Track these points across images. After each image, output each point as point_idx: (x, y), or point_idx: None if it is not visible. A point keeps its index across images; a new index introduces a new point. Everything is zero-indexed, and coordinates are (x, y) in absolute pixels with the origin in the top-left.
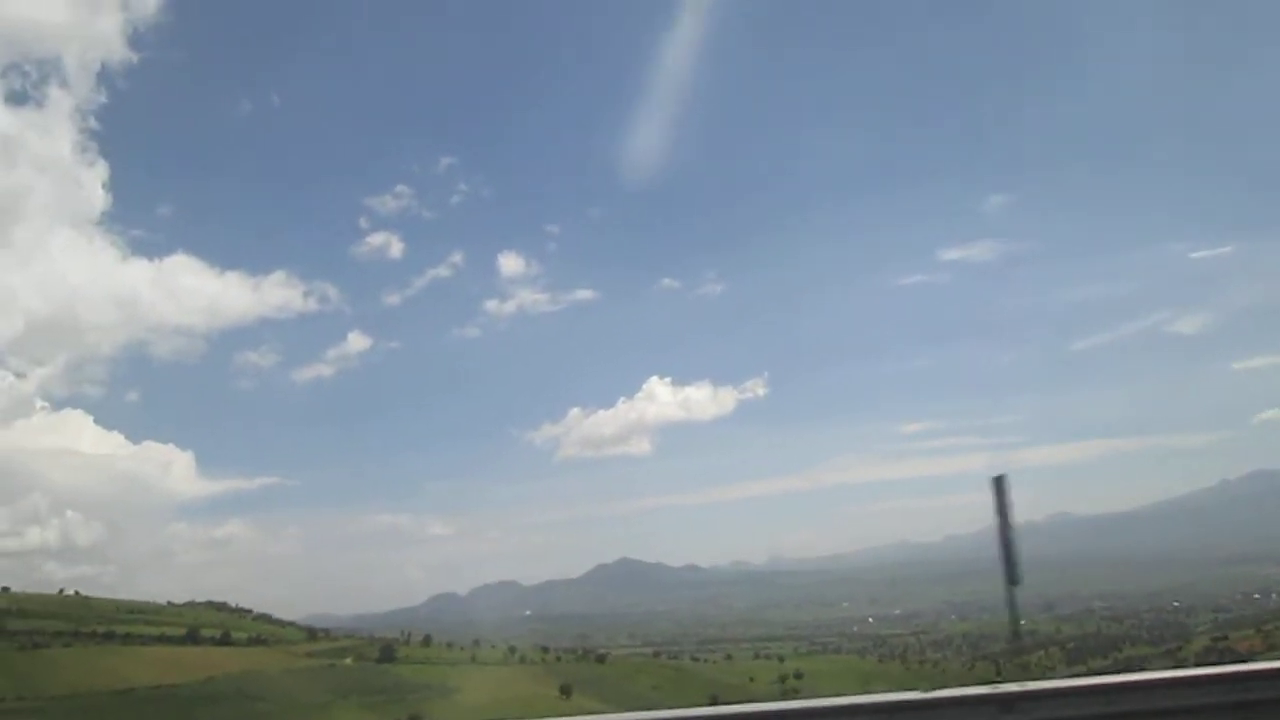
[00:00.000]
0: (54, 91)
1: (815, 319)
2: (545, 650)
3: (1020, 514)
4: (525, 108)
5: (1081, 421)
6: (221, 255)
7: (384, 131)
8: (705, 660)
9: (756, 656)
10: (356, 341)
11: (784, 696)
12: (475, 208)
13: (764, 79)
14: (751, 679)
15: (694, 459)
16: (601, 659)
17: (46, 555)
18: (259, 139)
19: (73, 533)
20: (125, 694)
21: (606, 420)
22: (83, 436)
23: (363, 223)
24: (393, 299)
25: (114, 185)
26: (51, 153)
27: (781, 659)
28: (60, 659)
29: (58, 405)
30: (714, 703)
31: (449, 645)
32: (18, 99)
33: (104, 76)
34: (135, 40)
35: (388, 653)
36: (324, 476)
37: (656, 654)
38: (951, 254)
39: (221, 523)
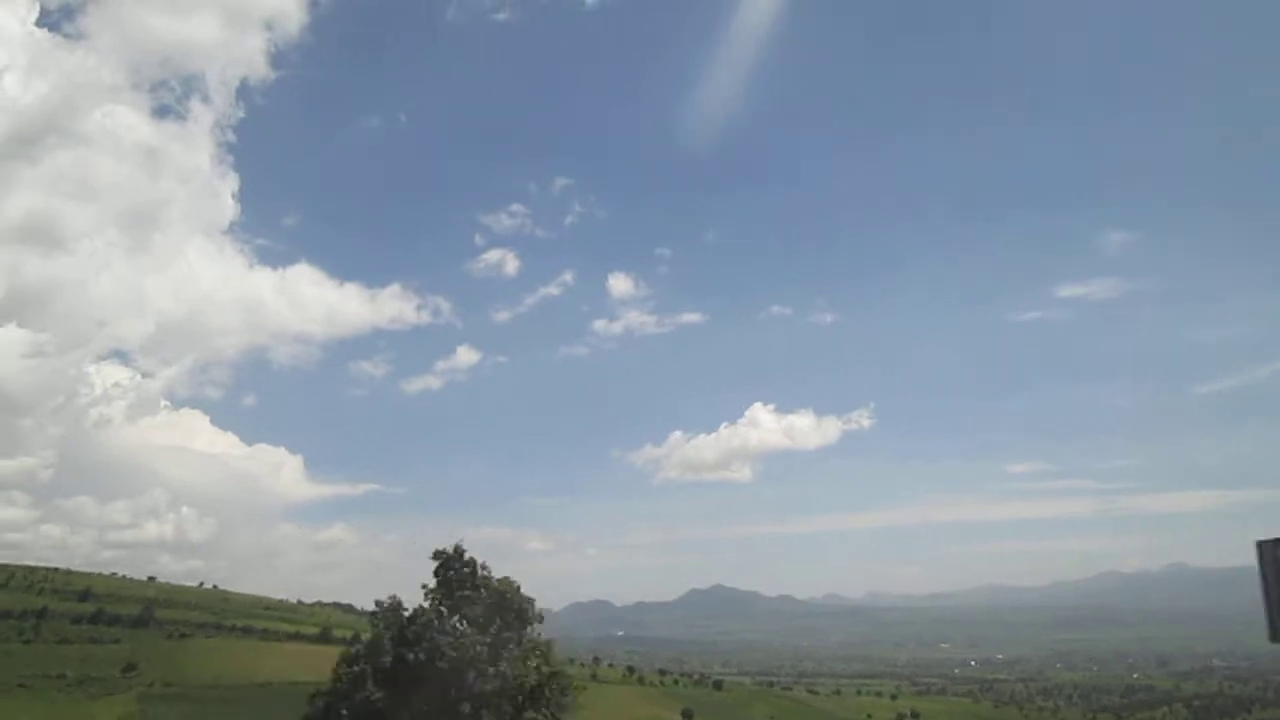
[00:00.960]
0: (196, 106)
1: (925, 352)
2: (664, 673)
3: (1132, 563)
4: (642, 132)
5: (1201, 469)
6: (341, 266)
7: (502, 151)
8: (819, 694)
9: (859, 693)
10: (465, 355)
11: None
12: (588, 228)
13: (882, 107)
14: (869, 716)
15: (794, 488)
16: (718, 685)
17: (161, 548)
18: (384, 155)
19: (187, 528)
20: (264, 687)
21: (708, 445)
22: (199, 436)
23: (478, 239)
24: (503, 315)
25: (243, 196)
26: (191, 164)
27: (893, 697)
28: (204, 649)
29: (179, 405)
30: None
31: (570, 660)
32: (164, 113)
33: (243, 92)
34: (276, 59)
35: None
36: (427, 485)
37: (770, 684)
38: (1069, 290)
39: (326, 525)
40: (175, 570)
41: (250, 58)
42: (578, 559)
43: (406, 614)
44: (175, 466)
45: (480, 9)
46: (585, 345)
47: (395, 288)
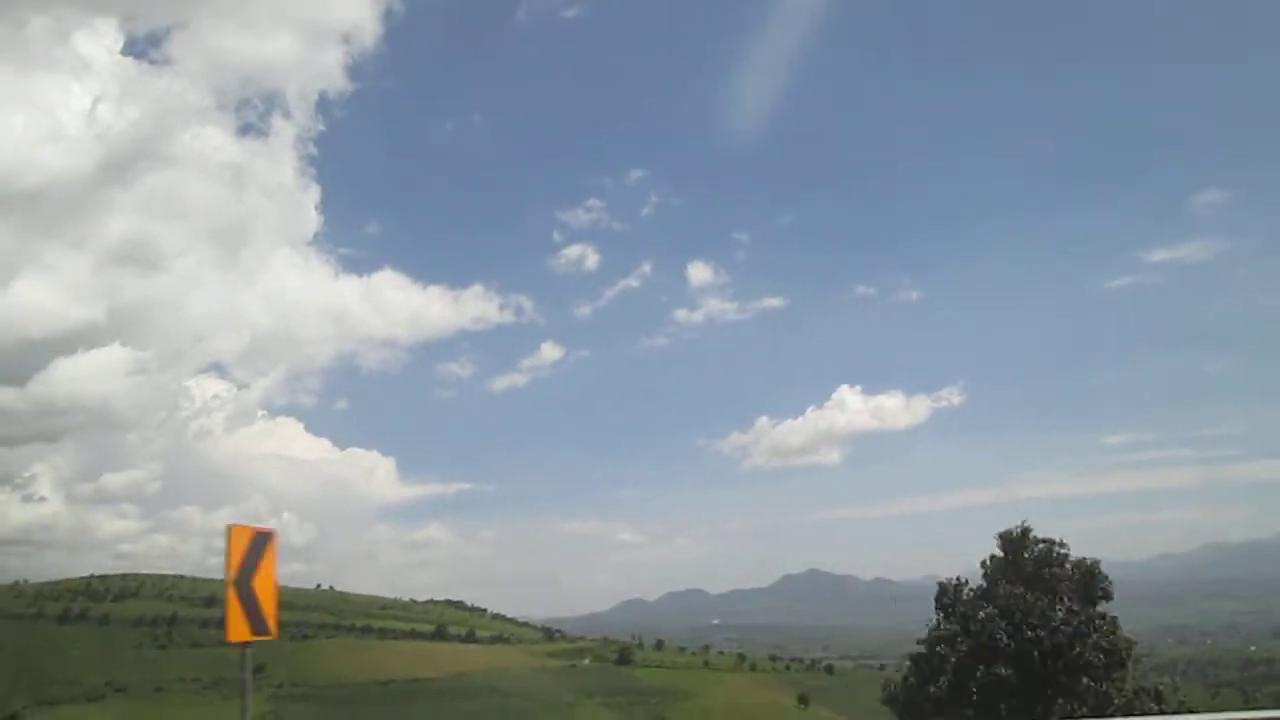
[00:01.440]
0: (278, 122)
1: (1014, 325)
2: (774, 659)
3: (1239, 533)
4: (714, 119)
5: None
6: (424, 270)
7: (576, 147)
8: None
9: None
10: (549, 352)
11: None
12: (665, 218)
13: (958, 80)
14: None
15: (885, 469)
16: (830, 670)
17: None
18: (460, 158)
19: (289, 533)
20: (386, 685)
21: (795, 429)
22: (295, 443)
23: (556, 236)
24: (584, 310)
25: (325, 206)
26: (275, 179)
27: None
28: (325, 650)
29: (275, 414)
30: None
31: (681, 649)
32: (247, 131)
33: (322, 105)
34: (354, 71)
35: (625, 656)
36: (517, 483)
37: (881, 667)
38: (1160, 255)
39: (420, 526)
40: (280, 574)
41: (329, 71)
42: (668, 549)
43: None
44: (273, 474)
45: (549, 7)
46: (666, 335)
47: (477, 288)
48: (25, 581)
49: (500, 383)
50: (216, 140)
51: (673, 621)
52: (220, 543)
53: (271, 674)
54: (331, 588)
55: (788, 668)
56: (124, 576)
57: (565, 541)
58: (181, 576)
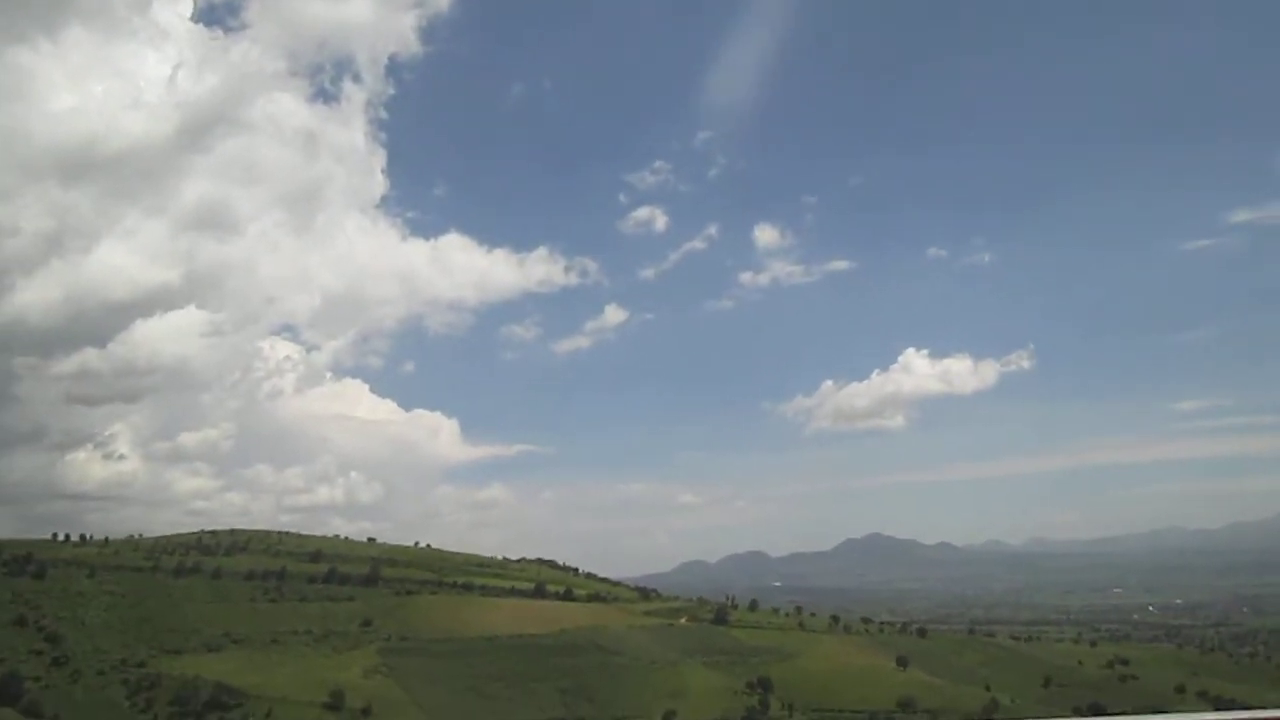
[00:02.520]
0: (348, 86)
1: (1088, 287)
2: (866, 621)
3: None
4: (780, 79)
5: None
6: (489, 233)
7: (644, 109)
8: (1022, 640)
9: (1030, 639)
10: (613, 314)
11: (1120, 681)
12: (732, 180)
13: (1034, 37)
14: (1080, 663)
15: (950, 434)
16: (923, 633)
17: (333, 511)
18: (528, 121)
19: (356, 491)
20: (490, 640)
21: (860, 393)
22: (361, 404)
23: (622, 198)
24: (649, 272)
25: (393, 170)
26: (347, 143)
27: (1092, 643)
28: (429, 606)
29: (342, 375)
30: (1046, 684)
31: (774, 610)
32: (320, 95)
33: (392, 70)
34: (426, 34)
35: (722, 615)
36: (579, 444)
37: (971, 631)
38: (1241, 215)
39: (483, 486)
40: (348, 531)
41: (402, 35)
42: (729, 512)
43: None
44: (341, 434)
45: None
46: (731, 298)
47: (542, 251)
48: (140, 535)
49: (564, 345)
50: (290, 105)
51: (734, 584)
52: (291, 500)
53: (379, 628)
54: (428, 545)
55: (881, 630)
56: (232, 532)
57: (625, 503)
58: (287, 533)
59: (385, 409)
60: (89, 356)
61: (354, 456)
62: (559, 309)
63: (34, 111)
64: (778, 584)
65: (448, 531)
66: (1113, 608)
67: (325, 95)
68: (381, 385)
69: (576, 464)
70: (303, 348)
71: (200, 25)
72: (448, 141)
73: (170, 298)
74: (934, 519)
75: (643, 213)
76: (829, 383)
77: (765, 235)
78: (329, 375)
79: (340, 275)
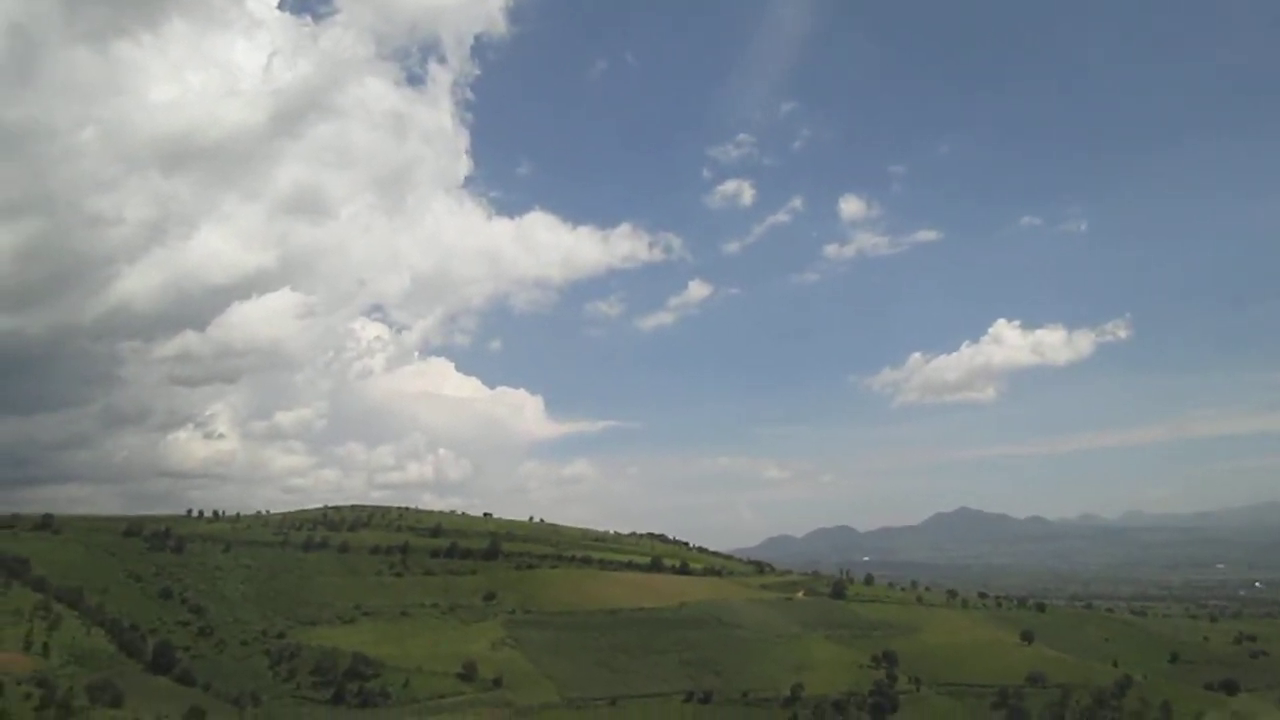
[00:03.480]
0: (434, 68)
1: (1190, 253)
2: (984, 596)
3: None
4: (866, 45)
5: None
6: (573, 210)
7: (726, 82)
8: (1143, 614)
9: (1138, 614)
10: (697, 289)
11: (1251, 658)
12: (817, 151)
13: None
14: (1206, 638)
15: (1042, 406)
16: (1042, 608)
17: (424, 487)
18: (611, 97)
19: (445, 468)
20: (612, 613)
21: (949, 365)
22: (447, 382)
23: (706, 173)
24: (733, 247)
25: (478, 150)
26: (434, 125)
27: (1213, 619)
28: (550, 579)
29: (431, 354)
30: (1174, 660)
31: (890, 585)
32: (408, 78)
33: (477, 50)
34: (515, 14)
35: (839, 590)
36: (663, 419)
37: (1089, 605)
38: None
39: (568, 462)
40: (438, 507)
41: (490, 15)
42: (814, 486)
43: None
44: (429, 412)
45: None
46: (816, 272)
47: (626, 227)
48: (268, 512)
49: (649, 321)
50: (379, 89)
51: (821, 559)
52: (382, 477)
53: (503, 601)
54: (543, 520)
55: (999, 604)
56: (354, 508)
57: (710, 478)
58: (407, 509)
59: (470, 386)
60: (189, 339)
61: (442, 434)
62: (643, 285)
63: (136, 104)
64: (866, 559)
65: (534, 507)
66: (1218, 583)
67: (413, 78)
68: (467, 363)
69: (661, 439)
70: (393, 327)
71: (287, 13)
72: (531, 120)
73: (266, 281)
74: (1024, 493)
75: (727, 187)
76: (917, 355)
77: (851, 206)
78: (417, 354)
79: (428, 255)
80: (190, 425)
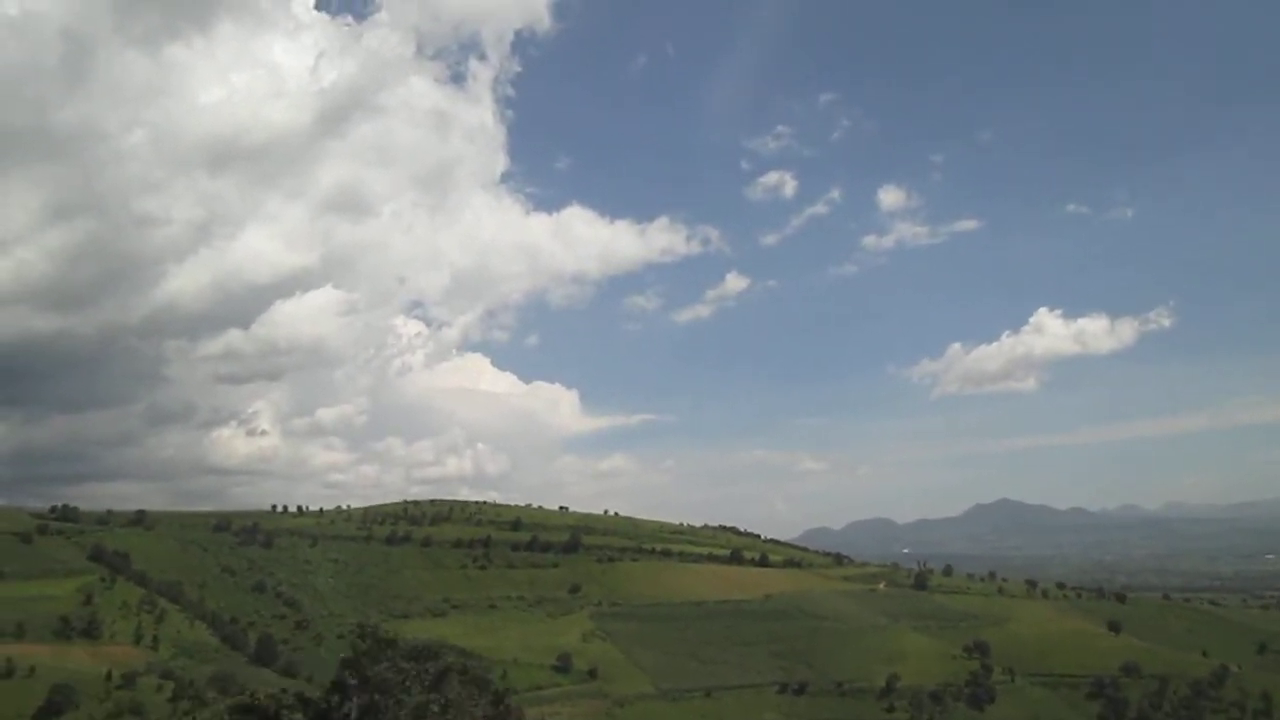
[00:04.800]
0: (474, 65)
1: (1235, 239)
2: (1061, 586)
3: None
4: (906, 34)
5: None
6: (611, 205)
7: (764, 73)
8: (1222, 605)
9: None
10: (734, 282)
11: None
12: (857, 142)
13: None
14: None
15: (1083, 396)
16: (1122, 598)
17: (462, 482)
18: (650, 91)
19: (483, 462)
20: (699, 605)
21: (989, 355)
22: (483, 378)
23: (744, 165)
24: (770, 239)
25: (513, 146)
26: (475, 122)
27: None
28: (632, 572)
29: (468, 349)
30: (1262, 650)
31: (969, 576)
32: (449, 75)
33: (518, 45)
34: (558, 9)
35: (921, 581)
36: (699, 413)
37: (1166, 596)
38: None
39: (605, 456)
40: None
41: (532, 10)
42: (852, 478)
43: None
44: (466, 407)
45: None
46: (854, 263)
47: (663, 220)
48: (349, 506)
49: (685, 314)
50: (421, 88)
51: (860, 551)
52: (421, 472)
53: (588, 594)
54: (617, 513)
55: (1078, 595)
56: (433, 502)
57: (747, 471)
58: (484, 502)
59: (505, 382)
60: (234, 338)
61: (479, 429)
62: (680, 278)
63: (185, 106)
64: (906, 550)
65: (573, 501)
66: (1269, 574)
67: (454, 76)
68: (503, 358)
69: (697, 433)
70: (432, 324)
71: (324, 14)
72: (570, 114)
73: (309, 279)
74: (1065, 484)
75: (767, 179)
76: (956, 345)
77: (890, 197)
78: (455, 350)
79: (467, 252)
80: (234, 422)
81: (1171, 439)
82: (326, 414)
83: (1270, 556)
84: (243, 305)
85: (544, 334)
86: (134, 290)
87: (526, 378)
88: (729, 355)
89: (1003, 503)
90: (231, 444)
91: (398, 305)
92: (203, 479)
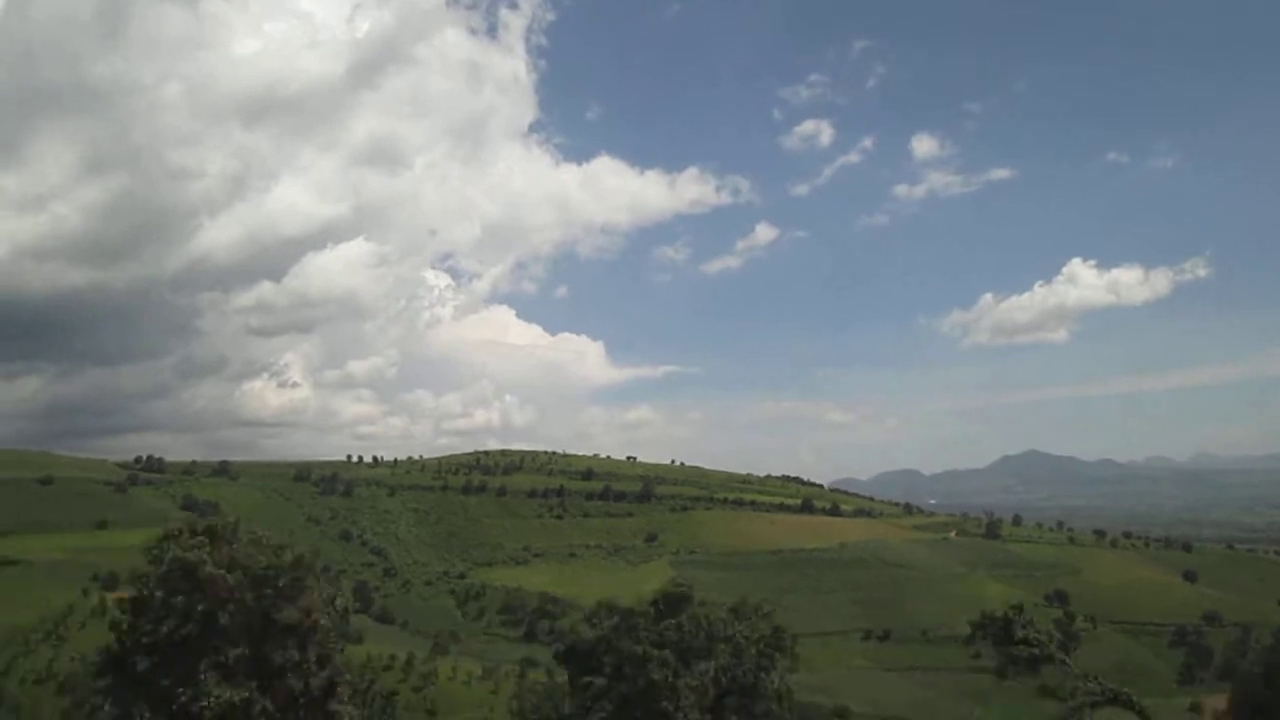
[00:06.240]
0: (505, 14)
1: (1273, 188)
2: (1128, 535)
3: None
4: None
5: None
6: (641, 155)
7: (798, 19)
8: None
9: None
10: (764, 233)
11: None
12: (891, 90)
13: None
14: None
15: (1115, 346)
16: (1188, 548)
17: (490, 434)
18: (682, 39)
19: (510, 414)
20: (776, 553)
21: (1020, 306)
22: (509, 330)
23: (776, 114)
24: (800, 189)
25: (542, 95)
26: (508, 73)
27: None
28: (706, 520)
29: (497, 301)
30: None
31: (1037, 525)
32: (482, 26)
33: None
34: None
35: (993, 530)
36: (725, 364)
37: (1230, 546)
38: None
39: (631, 406)
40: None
41: None
42: (880, 429)
43: None
44: (494, 359)
45: None
46: (886, 213)
47: (693, 171)
48: (422, 457)
49: (714, 265)
50: (454, 39)
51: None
52: (449, 423)
53: (665, 542)
54: (683, 463)
55: (1146, 545)
56: (504, 452)
57: (773, 421)
58: (555, 453)
59: (531, 334)
60: (266, 290)
61: (507, 380)
62: (710, 229)
63: (220, 58)
64: (933, 501)
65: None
66: None
67: (487, 25)
68: (529, 310)
69: (724, 384)
70: (463, 276)
71: None
72: (601, 64)
73: (340, 231)
74: (1094, 435)
75: (803, 127)
76: (988, 296)
77: (923, 145)
78: (483, 302)
79: (497, 203)
80: (265, 375)
81: (1201, 390)
82: (357, 366)
83: None
84: (275, 258)
85: (572, 285)
86: (168, 244)
87: (553, 329)
88: (758, 306)
89: (1031, 454)
90: (263, 396)
91: (428, 257)
92: (234, 431)
